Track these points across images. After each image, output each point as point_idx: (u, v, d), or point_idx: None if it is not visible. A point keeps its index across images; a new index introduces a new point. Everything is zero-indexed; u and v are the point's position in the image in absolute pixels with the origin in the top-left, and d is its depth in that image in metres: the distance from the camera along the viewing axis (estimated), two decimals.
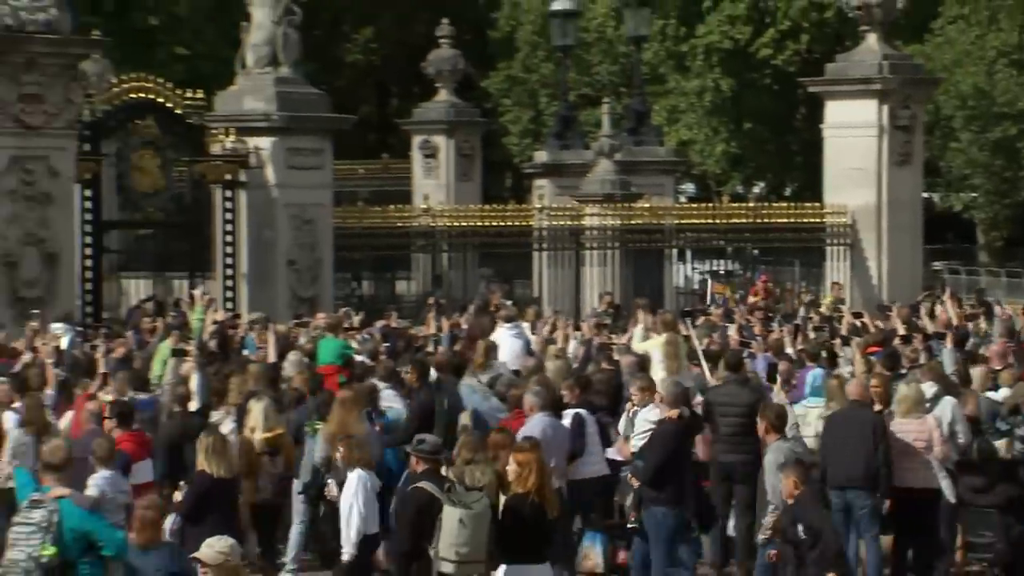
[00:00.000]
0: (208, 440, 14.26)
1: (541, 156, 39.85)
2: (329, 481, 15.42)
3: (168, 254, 30.17)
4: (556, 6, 41.32)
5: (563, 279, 33.45)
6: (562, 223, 33.72)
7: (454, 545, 12.60)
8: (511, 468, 12.89)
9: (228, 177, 28.84)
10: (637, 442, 16.10)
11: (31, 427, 15.95)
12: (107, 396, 17.26)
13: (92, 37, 29.41)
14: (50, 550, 11.60)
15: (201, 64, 46.05)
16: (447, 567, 12.65)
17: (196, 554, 10.11)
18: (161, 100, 28.36)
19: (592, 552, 16.22)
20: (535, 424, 15.73)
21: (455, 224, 33.28)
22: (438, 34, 41.29)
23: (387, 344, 22.56)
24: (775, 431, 15.09)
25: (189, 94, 28.81)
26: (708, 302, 30.60)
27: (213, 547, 10.07)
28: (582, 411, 16.57)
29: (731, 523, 16.67)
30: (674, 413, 15.49)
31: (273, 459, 16.41)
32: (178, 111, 28.47)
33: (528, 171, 41.67)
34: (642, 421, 16.28)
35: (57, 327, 22.35)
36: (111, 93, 28.64)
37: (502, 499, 12.92)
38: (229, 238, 28.85)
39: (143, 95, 28.31)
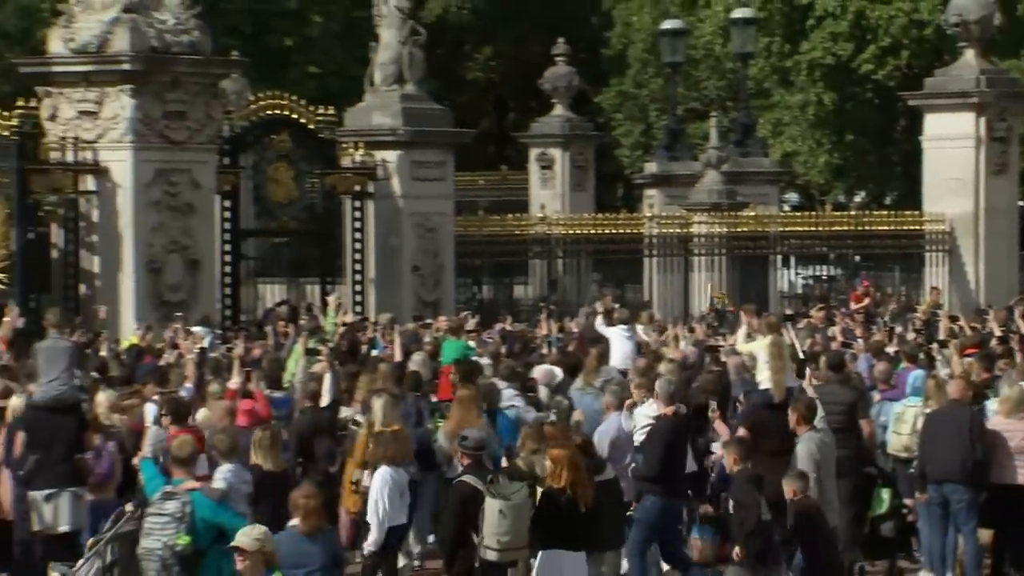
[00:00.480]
0: (260, 436, 14.51)
1: (651, 167, 39.80)
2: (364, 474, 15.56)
3: (301, 260, 30.43)
4: (666, 25, 41.35)
5: (672, 284, 33.40)
6: (671, 231, 33.68)
7: (496, 534, 12.88)
8: (547, 464, 13.18)
9: (357, 188, 29.10)
10: (637, 437, 16.19)
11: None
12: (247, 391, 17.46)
13: (231, 58, 29.78)
14: (185, 539, 11.79)
15: (332, 82, 46.38)
16: (491, 554, 12.93)
17: (234, 542, 10.14)
18: (295, 116, 28.63)
19: (700, 543, 16.26)
20: (611, 422, 15.87)
21: (570, 232, 33.34)
22: (554, 52, 41.38)
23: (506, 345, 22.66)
24: (806, 422, 15.09)
25: (321, 110, 29.06)
26: (709, 307, 30.41)
27: (249, 535, 10.13)
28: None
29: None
30: (669, 410, 15.62)
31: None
32: (311, 126, 28.74)
33: (639, 182, 41.63)
34: (641, 417, 16.35)
35: (198, 329, 22.64)
36: (249, 110, 28.94)
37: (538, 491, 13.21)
38: (358, 245, 29.10)
39: (278, 112, 28.58)
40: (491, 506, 12.88)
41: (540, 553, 12.99)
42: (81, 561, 13.79)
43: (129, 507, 14.41)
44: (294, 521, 12.33)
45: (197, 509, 12.02)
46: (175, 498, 11.86)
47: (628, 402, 16.71)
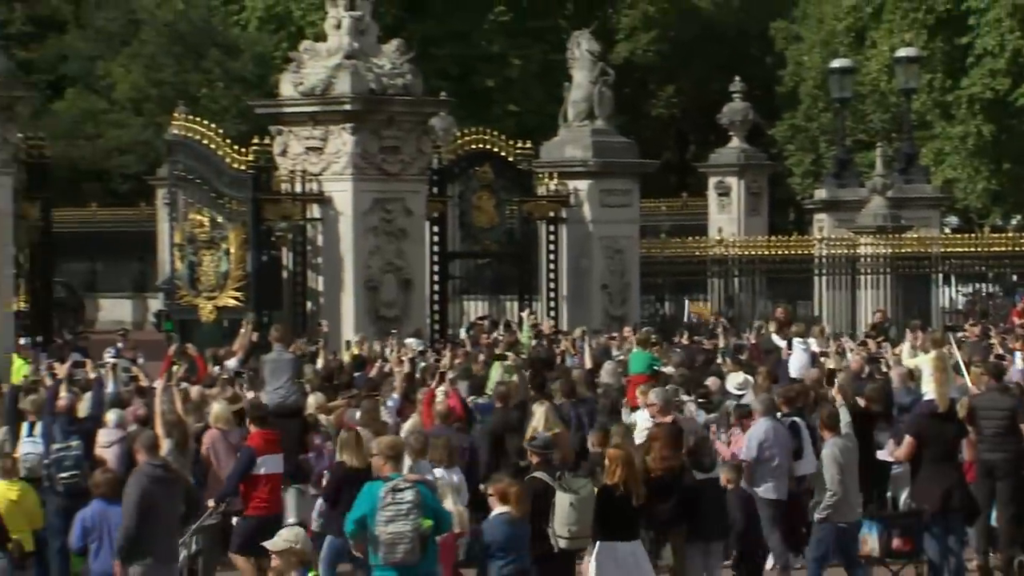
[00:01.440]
0: (345, 436, 14.53)
1: (821, 193, 39.35)
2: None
3: (501, 279, 30.55)
4: (835, 64, 40.91)
5: (840, 301, 32.99)
6: (839, 252, 33.28)
7: (567, 524, 12.96)
8: (605, 462, 13.26)
9: (551, 214, 29.17)
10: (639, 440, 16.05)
11: (369, 426, 16.30)
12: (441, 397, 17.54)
13: (440, 98, 30.09)
14: (428, 522, 11.92)
15: (530, 119, 46.58)
16: (562, 542, 13.02)
17: (265, 543, 10.00)
18: (496, 150, 28.80)
19: (869, 538, 16.00)
20: (759, 426, 15.78)
21: (745, 253, 33.14)
22: (731, 90, 41.12)
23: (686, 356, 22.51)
24: (830, 429, 14.87)
25: (519, 144, 29.20)
26: (685, 320, 29.80)
27: (281, 536, 9.96)
28: (797, 419, 16.47)
29: (993, 514, 16.29)
30: (668, 419, 15.39)
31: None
32: (510, 159, 28.89)
33: (809, 207, 41.17)
34: (640, 422, 16.26)
35: (411, 342, 22.83)
36: (455, 144, 29.17)
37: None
38: (552, 266, 29.16)
39: (481, 146, 28.77)
40: (561, 499, 12.99)
41: (598, 544, 13.00)
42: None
43: (211, 503, 14.60)
44: (502, 508, 12.38)
45: (424, 498, 12.15)
46: (408, 488, 11.96)
47: (625, 411, 16.79)
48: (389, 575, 11.83)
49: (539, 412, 16.41)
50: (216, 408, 16.44)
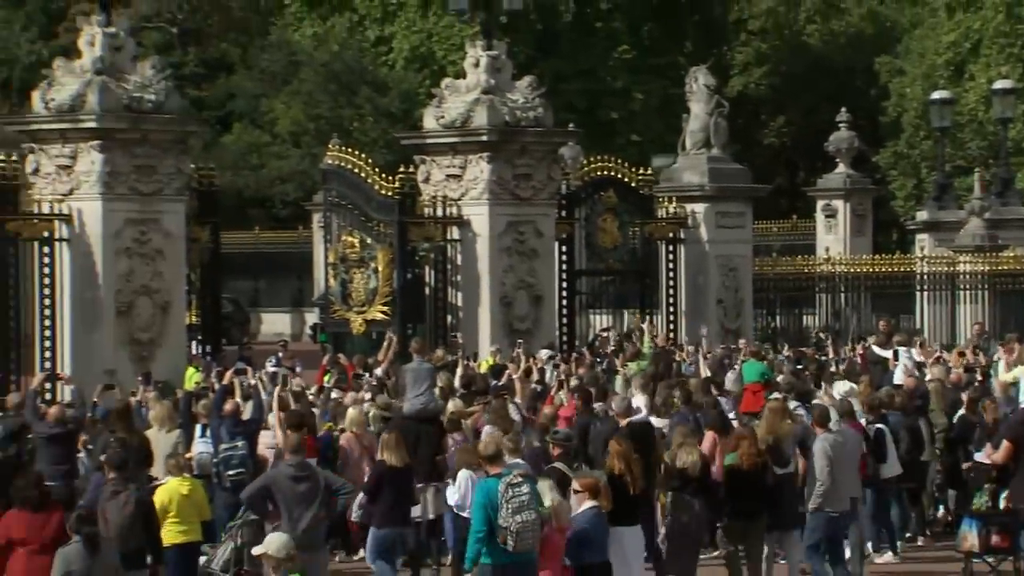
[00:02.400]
0: (387, 437, 14.53)
1: (922, 215, 38.78)
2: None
3: (624, 295, 30.43)
4: (936, 95, 40.33)
5: (940, 315, 32.49)
6: (940, 269, 32.81)
7: None
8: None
9: (671, 235, 29.01)
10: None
11: (497, 424, 16.31)
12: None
13: (568, 129, 30.09)
14: (546, 510, 12.05)
15: (650, 148, 46.44)
16: None
17: (255, 549, 10.08)
18: (620, 176, 28.69)
19: (969, 535, 15.74)
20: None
21: (851, 270, 32.77)
22: (838, 120, 40.74)
23: (799, 366, 22.27)
24: (820, 426, 14.94)
25: (641, 171, 29.09)
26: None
27: (277, 543, 10.08)
28: (881, 426, 16.37)
29: None
30: (625, 422, 15.45)
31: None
32: (633, 184, 28.77)
33: (911, 228, 40.57)
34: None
35: (543, 353, 22.80)
36: (582, 171, 29.10)
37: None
38: (671, 282, 28.98)
39: (606, 173, 28.66)
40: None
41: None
42: (219, 544, 14.13)
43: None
44: (591, 503, 12.40)
45: (535, 490, 12.20)
46: (523, 482, 12.02)
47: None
48: (508, 561, 11.86)
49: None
50: (351, 413, 16.63)
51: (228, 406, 16.74)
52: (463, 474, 14.91)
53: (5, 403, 17.67)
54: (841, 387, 19.03)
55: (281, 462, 13.35)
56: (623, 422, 15.46)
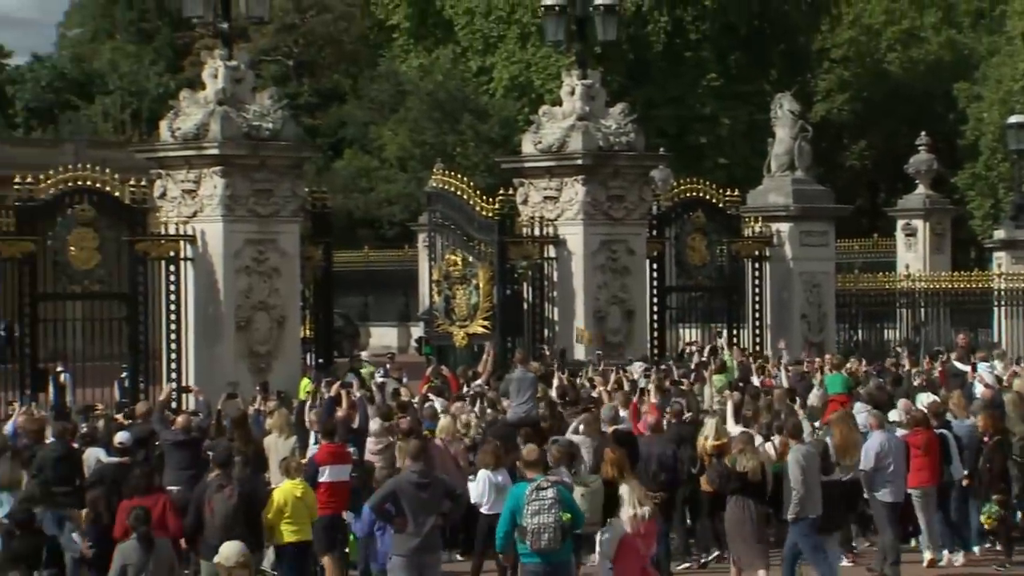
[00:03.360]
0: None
1: (999, 234, 38.08)
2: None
3: (712, 310, 30.23)
4: (1012, 120, 39.67)
5: (1019, 329, 31.94)
6: (1017, 286, 32.28)
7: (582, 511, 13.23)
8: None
9: (756, 253, 28.79)
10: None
11: (590, 435, 16.13)
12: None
13: (659, 153, 30.00)
14: (568, 515, 12.18)
15: (737, 170, 46.16)
16: None
17: (216, 558, 9.99)
18: (708, 197, 28.52)
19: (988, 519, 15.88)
20: (874, 438, 15.59)
21: (930, 287, 32.34)
22: (917, 143, 40.23)
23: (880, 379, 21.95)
24: (794, 438, 15.02)
25: (728, 193, 28.91)
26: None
27: (234, 552, 10.03)
28: (944, 431, 16.31)
29: None
30: (610, 429, 15.77)
31: (719, 460, 15.56)
32: (720, 205, 28.57)
33: (989, 246, 39.85)
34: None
35: (636, 365, 22.72)
36: (671, 193, 28.98)
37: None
38: (757, 298, 28.76)
39: (695, 194, 28.50)
40: (576, 491, 13.49)
41: (609, 521, 13.18)
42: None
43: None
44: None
45: (563, 496, 12.25)
46: (549, 488, 12.14)
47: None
48: (535, 560, 12.12)
49: (709, 424, 16.26)
50: (442, 422, 16.71)
51: (340, 414, 16.86)
52: (482, 474, 15.04)
53: (135, 412, 17.92)
54: (924, 399, 18.83)
55: (404, 470, 13.43)
56: (608, 429, 15.80)
